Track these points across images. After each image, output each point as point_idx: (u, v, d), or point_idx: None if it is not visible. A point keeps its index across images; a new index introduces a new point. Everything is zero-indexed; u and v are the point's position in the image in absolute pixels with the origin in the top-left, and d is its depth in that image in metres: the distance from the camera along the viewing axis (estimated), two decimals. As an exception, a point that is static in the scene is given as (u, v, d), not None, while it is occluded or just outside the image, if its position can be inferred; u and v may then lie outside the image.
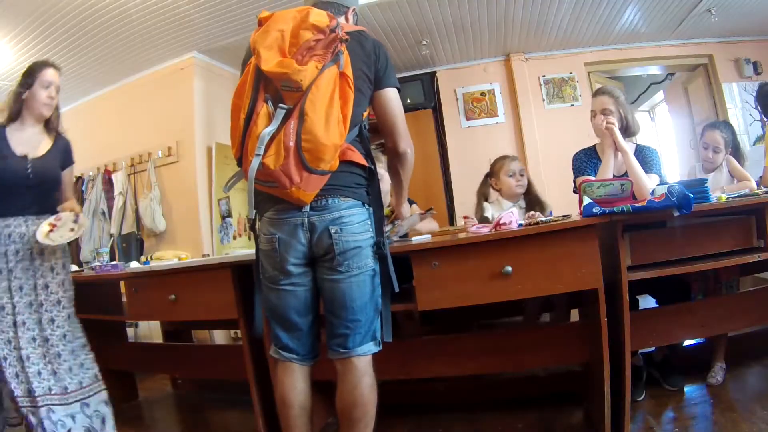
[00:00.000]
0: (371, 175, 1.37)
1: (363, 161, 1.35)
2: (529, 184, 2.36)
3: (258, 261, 1.41)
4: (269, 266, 1.37)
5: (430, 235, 1.92)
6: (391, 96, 1.41)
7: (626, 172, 1.99)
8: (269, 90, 1.24)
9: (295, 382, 1.40)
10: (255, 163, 1.19)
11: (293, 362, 1.40)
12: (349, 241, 1.31)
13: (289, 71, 1.17)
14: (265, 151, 1.19)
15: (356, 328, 1.34)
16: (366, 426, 1.34)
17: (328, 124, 1.18)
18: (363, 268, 1.33)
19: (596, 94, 2.14)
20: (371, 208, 1.37)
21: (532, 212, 2.00)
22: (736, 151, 2.37)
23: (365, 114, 1.38)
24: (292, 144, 1.17)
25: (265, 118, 1.21)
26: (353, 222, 1.31)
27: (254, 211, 1.33)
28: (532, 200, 2.33)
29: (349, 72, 1.24)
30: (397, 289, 1.39)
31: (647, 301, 2.11)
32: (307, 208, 1.29)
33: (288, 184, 1.19)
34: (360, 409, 1.33)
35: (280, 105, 1.21)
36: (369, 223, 1.36)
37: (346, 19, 1.49)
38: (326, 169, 1.22)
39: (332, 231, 1.29)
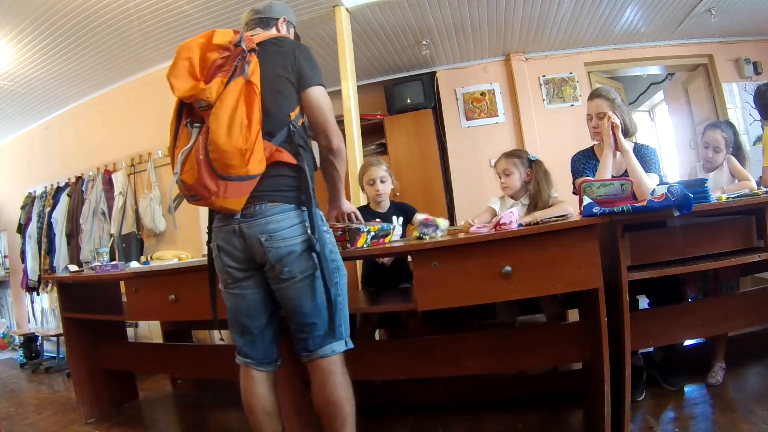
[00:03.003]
0: (301, 174, 1.37)
1: (292, 160, 1.36)
2: (534, 182, 2.18)
3: (211, 269, 1.47)
4: (218, 271, 1.43)
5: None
6: (317, 94, 1.41)
7: (625, 171, 1.98)
8: (194, 114, 1.31)
9: (254, 387, 1.42)
10: (173, 181, 1.27)
11: (250, 367, 1.43)
12: (281, 247, 1.33)
13: (196, 92, 1.24)
14: (182, 168, 1.26)
15: (313, 330, 1.36)
16: (343, 422, 1.36)
17: (231, 130, 1.22)
18: (305, 272, 1.34)
19: (591, 96, 2.09)
20: (306, 209, 1.37)
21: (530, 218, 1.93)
22: (737, 150, 2.34)
23: (293, 114, 1.39)
24: (201, 157, 1.23)
25: (185, 139, 1.29)
26: (282, 228, 1.33)
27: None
28: (533, 198, 2.19)
29: (256, 79, 1.28)
30: (330, 287, 1.36)
31: (646, 301, 2.11)
32: (238, 216, 1.34)
33: (207, 195, 1.25)
34: (332, 407, 1.35)
35: (195, 124, 1.28)
36: (304, 225, 1.36)
37: (278, 30, 1.55)
38: (242, 174, 1.25)
39: (263, 239, 1.32)
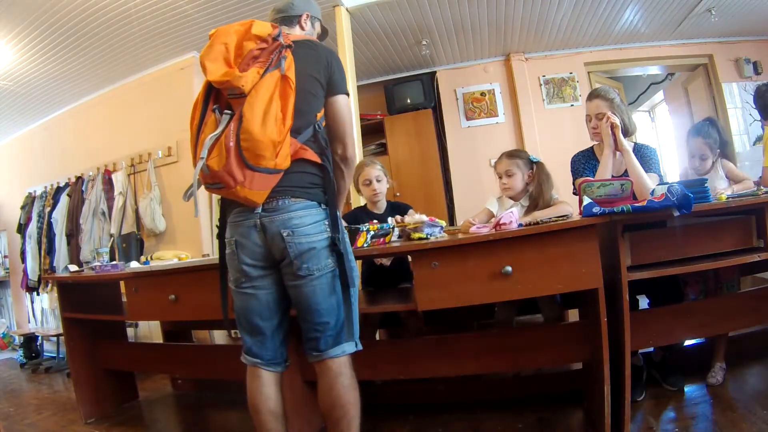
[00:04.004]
0: (325, 173, 1.38)
1: (316, 159, 1.36)
2: (537, 184, 2.15)
3: (222, 265, 1.45)
4: (232, 269, 1.41)
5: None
6: (342, 103, 1.43)
7: (625, 171, 1.98)
8: (220, 101, 1.29)
9: (261, 388, 1.41)
10: (199, 166, 1.24)
11: (259, 367, 1.42)
12: (303, 243, 1.32)
13: (231, 78, 1.22)
14: (209, 154, 1.23)
15: (325, 330, 1.36)
16: (348, 425, 1.35)
17: (265, 122, 1.22)
18: (323, 270, 1.34)
19: (590, 97, 2.08)
20: (327, 207, 1.38)
21: (530, 218, 1.92)
22: (724, 147, 2.25)
23: (319, 115, 1.40)
24: (232, 144, 1.21)
25: (212, 125, 1.27)
26: (305, 224, 1.33)
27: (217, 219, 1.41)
28: (534, 199, 2.16)
29: (292, 74, 1.28)
30: (354, 286, 1.38)
31: (646, 301, 2.11)
32: (259, 210, 1.33)
33: (232, 183, 1.23)
34: (339, 409, 1.35)
35: (226, 111, 1.26)
36: (325, 223, 1.36)
37: (302, 27, 1.57)
38: (271, 167, 1.24)
39: (284, 234, 1.32)
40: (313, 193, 1.36)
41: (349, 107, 1.46)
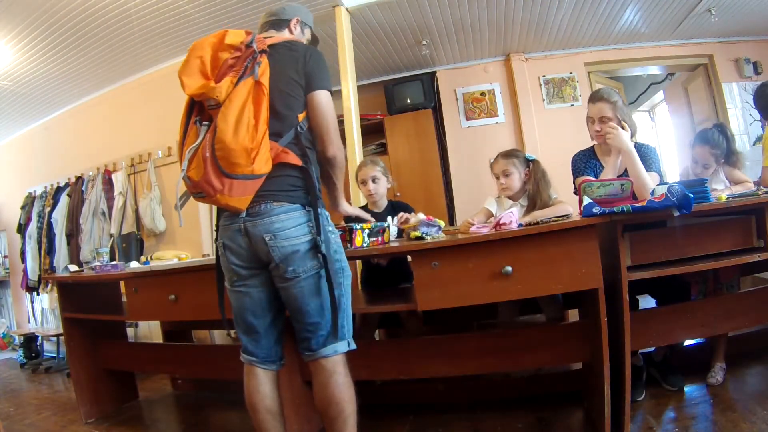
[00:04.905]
0: (306, 175, 1.39)
1: (297, 161, 1.37)
2: (533, 183, 2.15)
3: (219, 267, 1.48)
4: (225, 270, 1.45)
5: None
6: (321, 99, 1.41)
7: (625, 170, 1.97)
8: (203, 113, 1.32)
9: (258, 386, 1.43)
10: (180, 178, 1.28)
11: (254, 365, 1.44)
12: (286, 246, 1.33)
13: (206, 90, 1.25)
14: (189, 165, 1.27)
15: (316, 330, 1.37)
16: (344, 422, 1.36)
17: (238, 129, 1.24)
18: (309, 271, 1.35)
19: (593, 99, 2.04)
20: (311, 209, 1.38)
21: (530, 218, 1.92)
22: (730, 156, 2.23)
23: (301, 116, 1.40)
24: (208, 155, 1.25)
25: (193, 136, 1.31)
26: (287, 227, 1.34)
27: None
28: (532, 198, 2.16)
29: (265, 80, 1.30)
30: (341, 287, 1.39)
31: (647, 301, 2.11)
32: (243, 214, 1.35)
33: (212, 192, 1.26)
34: (334, 407, 1.36)
35: (204, 122, 1.30)
36: (309, 225, 1.37)
37: (290, 31, 1.58)
38: (248, 173, 1.26)
39: (266, 239, 1.33)
40: (295, 196, 1.37)
41: (329, 103, 1.43)
